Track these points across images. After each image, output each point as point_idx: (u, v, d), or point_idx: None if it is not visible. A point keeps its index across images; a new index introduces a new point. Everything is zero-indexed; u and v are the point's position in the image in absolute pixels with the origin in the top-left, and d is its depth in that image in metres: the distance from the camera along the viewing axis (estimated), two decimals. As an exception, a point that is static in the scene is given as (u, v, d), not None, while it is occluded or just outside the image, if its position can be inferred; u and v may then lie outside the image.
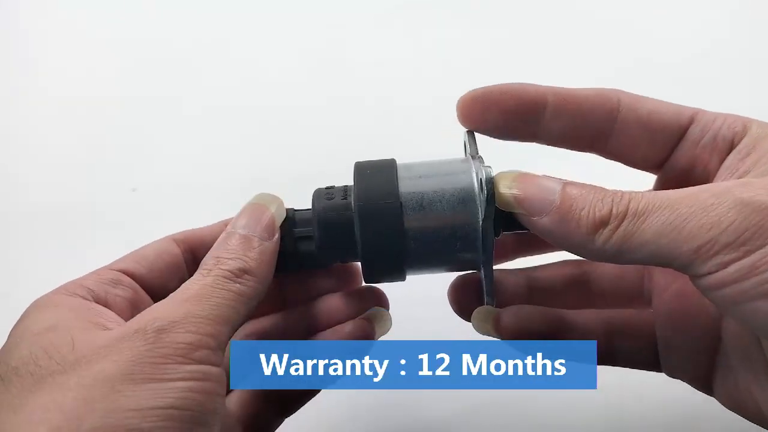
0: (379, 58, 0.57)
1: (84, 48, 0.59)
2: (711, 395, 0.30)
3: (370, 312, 0.32)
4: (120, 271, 0.29)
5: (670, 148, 0.29)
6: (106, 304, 0.27)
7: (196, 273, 0.27)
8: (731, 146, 0.28)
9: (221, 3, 0.61)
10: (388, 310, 0.33)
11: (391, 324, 0.32)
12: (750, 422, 0.28)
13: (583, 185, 0.26)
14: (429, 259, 0.29)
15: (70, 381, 0.22)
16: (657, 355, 0.31)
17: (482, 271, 0.29)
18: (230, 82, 0.56)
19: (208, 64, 0.57)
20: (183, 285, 0.26)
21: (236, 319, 0.26)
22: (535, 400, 0.39)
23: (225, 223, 0.30)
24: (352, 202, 0.28)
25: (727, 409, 0.29)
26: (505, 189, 0.27)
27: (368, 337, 0.31)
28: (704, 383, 0.30)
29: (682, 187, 0.26)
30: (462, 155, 0.31)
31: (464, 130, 0.30)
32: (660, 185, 0.31)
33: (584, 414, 0.39)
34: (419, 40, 0.58)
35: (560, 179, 0.26)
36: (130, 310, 0.28)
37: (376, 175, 0.28)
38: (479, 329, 0.31)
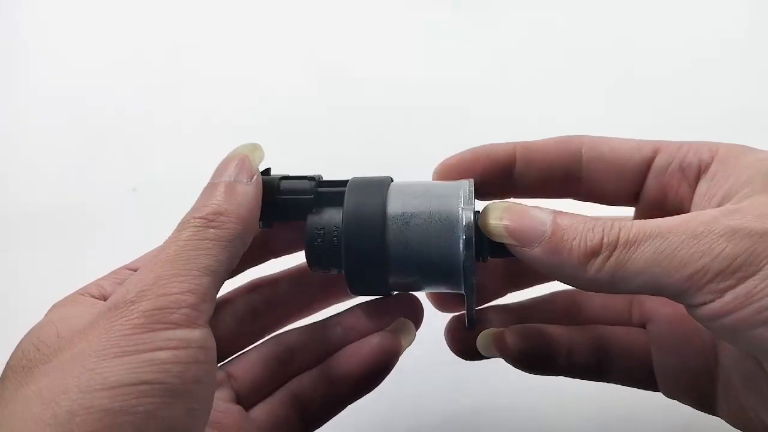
0: (381, 66, 0.57)
1: (83, 47, 0.59)
2: (714, 415, 0.30)
3: (396, 324, 0.32)
4: (135, 270, 0.28)
5: (638, 181, 0.30)
6: None
7: (174, 230, 0.26)
8: (698, 171, 0.28)
9: (221, 5, 0.61)
10: (419, 319, 0.32)
11: (415, 336, 0.32)
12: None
13: (573, 215, 0.25)
14: (411, 276, 0.29)
15: (51, 368, 0.22)
16: (652, 375, 0.31)
17: (464, 297, 0.29)
18: (231, 82, 0.56)
19: (208, 65, 0.57)
20: (159, 246, 0.25)
21: (217, 266, 0.25)
22: (533, 401, 0.39)
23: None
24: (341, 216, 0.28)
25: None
26: (495, 220, 0.26)
27: (395, 350, 0.31)
28: (706, 405, 0.30)
29: (659, 217, 0.27)
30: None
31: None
32: (639, 217, 0.31)
33: (583, 415, 0.39)
34: (421, 47, 0.58)
35: (550, 210, 0.26)
36: None
37: (366, 191, 0.29)
38: (485, 352, 0.31)
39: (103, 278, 0.28)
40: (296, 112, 0.53)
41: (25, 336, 0.25)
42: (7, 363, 0.24)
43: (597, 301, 0.33)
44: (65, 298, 0.27)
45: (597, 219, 0.25)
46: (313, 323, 0.33)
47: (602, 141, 0.30)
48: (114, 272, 0.28)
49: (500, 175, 0.30)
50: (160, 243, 0.28)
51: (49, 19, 0.61)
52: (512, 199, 0.27)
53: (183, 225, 0.25)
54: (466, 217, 0.27)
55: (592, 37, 0.57)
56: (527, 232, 0.25)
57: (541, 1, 0.59)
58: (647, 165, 0.29)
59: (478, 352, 0.31)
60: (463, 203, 0.28)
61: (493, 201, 0.27)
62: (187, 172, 0.52)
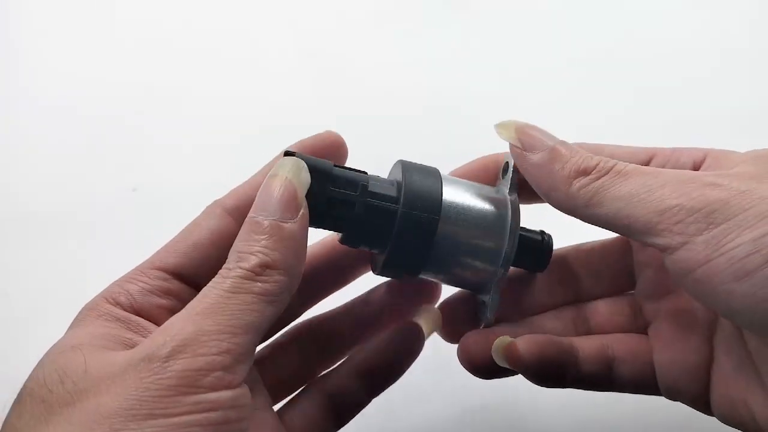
0: (378, 61, 0.57)
1: (83, 47, 0.58)
2: (711, 414, 0.30)
3: (420, 312, 0.32)
4: (170, 272, 0.27)
5: None
6: (149, 317, 0.26)
7: (217, 274, 0.24)
8: (692, 169, 0.29)
9: (221, 5, 0.60)
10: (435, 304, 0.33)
11: (441, 322, 0.32)
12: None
13: (582, 144, 0.28)
14: (446, 265, 0.29)
15: (74, 416, 0.21)
16: (655, 378, 0.31)
17: (491, 291, 0.30)
18: (231, 81, 0.56)
19: (208, 64, 0.57)
20: (202, 291, 0.24)
21: (261, 322, 0.23)
22: (529, 404, 0.39)
23: (267, 171, 0.28)
24: (401, 198, 0.28)
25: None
26: (508, 126, 0.29)
27: (420, 343, 0.31)
28: (702, 402, 0.30)
29: None
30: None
31: (505, 160, 0.32)
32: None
33: (581, 415, 0.39)
34: (417, 44, 0.58)
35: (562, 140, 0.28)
36: None
37: (423, 181, 0.29)
38: (500, 360, 0.31)
39: (132, 279, 0.27)
40: (295, 113, 0.53)
41: (49, 354, 0.24)
42: (26, 384, 0.23)
43: (603, 308, 0.33)
44: (94, 303, 0.26)
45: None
46: (339, 308, 0.33)
47: (597, 148, 0.30)
48: (143, 271, 0.27)
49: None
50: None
51: (49, 19, 0.61)
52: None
53: (227, 271, 0.24)
54: (514, 218, 0.29)
55: (593, 39, 0.57)
56: (533, 140, 0.28)
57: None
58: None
59: (494, 370, 0.30)
60: (511, 210, 0.30)
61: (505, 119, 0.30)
62: (188, 172, 0.52)
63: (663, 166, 0.29)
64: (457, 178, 0.31)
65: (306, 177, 0.26)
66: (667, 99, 0.52)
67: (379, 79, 0.55)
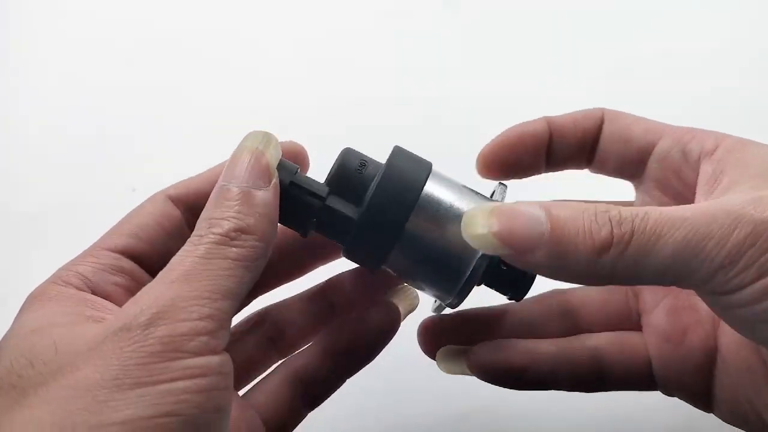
0: (379, 65, 0.56)
1: (82, 46, 0.58)
2: (710, 411, 0.29)
3: (397, 290, 0.31)
4: (120, 252, 0.26)
5: (640, 162, 0.30)
6: (104, 295, 0.25)
7: (187, 242, 0.23)
8: (699, 156, 0.28)
9: (222, 7, 0.60)
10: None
11: (418, 300, 0.32)
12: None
13: (568, 205, 0.23)
14: (413, 261, 0.28)
15: (51, 393, 0.19)
16: (651, 375, 0.30)
17: (452, 298, 0.28)
18: (231, 81, 0.56)
19: (208, 63, 0.57)
20: (173, 259, 0.23)
21: (238, 288, 0.22)
22: (528, 404, 0.39)
23: (222, 168, 0.26)
24: (377, 176, 0.27)
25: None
26: (483, 229, 0.23)
27: (396, 323, 0.30)
28: (703, 399, 0.29)
29: (662, 198, 0.28)
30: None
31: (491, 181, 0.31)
32: (640, 195, 0.31)
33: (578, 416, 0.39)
34: (420, 48, 0.58)
35: (539, 203, 0.23)
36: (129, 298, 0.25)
37: (411, 161, 0.28)
38: (447, 370, 0.31)
39: (81, 261, 0.26)
40: (296, 115, 0.53)
41: (7, 342, 0.22)
42: None
43: (594, 305, 0.32)
44: (42, 288, 0.24)
45: (594, 206, 0.23)
46: (304, 293, 0.32)
47: (621, 116, 0.31)
48: (92, 253, 0.26)
49: (534, 153, 0.30)
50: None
51: (50, 18, 0.61)
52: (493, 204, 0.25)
53: (199, 238, 0.23)
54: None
55: (595, 39, 0.57)
56: (523, 236, 0.22)
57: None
58: (651, 147, 0.30)
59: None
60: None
61: (471, 208, 0.25)
62: (188, 172, 0.52)
63: (671, 149, 0.29)
64: (447, 179, 0.28)
65: (277, 150, 0.26)
66: (675, 101, 0.52)
67: (381, 82, 0.55)
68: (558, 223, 0.22)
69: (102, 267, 0.25)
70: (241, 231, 0.23)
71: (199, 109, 0.54)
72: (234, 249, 0.22)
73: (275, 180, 0.25)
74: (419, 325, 0.32)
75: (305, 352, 0.31)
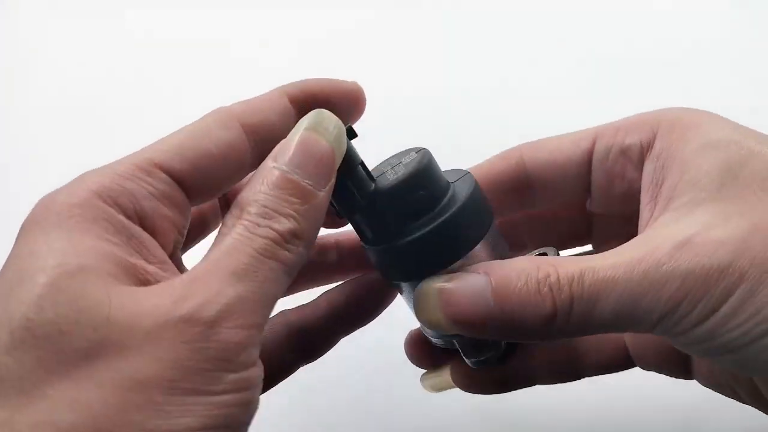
0: (376, 55, 0.57)
1: (82, 46, 0.58)
2: (689, 379, 0.29)
3: None
4: (176, 179, 0.22)
5: (584, 175, 0.28)
6: (152, 231, 0.21)
7: (235, 222, 0.20)
8: (641, 152, 0.26)
9: (220, 11, 0.60)
10: None
11: None
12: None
13: (510, 269, 0.23)
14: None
15: (102, 373, 0.17)
16: (627, 354, 0.30)
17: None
18: (231, 81, 0.56)
19: (208, 63, 0.57)
20: (222, 242, 0.20)
21: (280, 295, 0.21)
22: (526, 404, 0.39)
23: (287, 97, 0.25)
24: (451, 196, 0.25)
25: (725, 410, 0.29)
26: (433, 313, 0.23)
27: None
28: (682, 371, 0.29)
29: (615, 206, 0.27)
30: None
31: None
32: (593, 206, 0.30)
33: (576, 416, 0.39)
34: (413, 39, 0.58)
35: (483, 269, 0.23)
36: (175, 240, 0.22)
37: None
38: (432, 387, 0.30)
39: (129, 176, 0.21)
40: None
41: (49, 272, 0.18)
42: (21, 315, 0.17)
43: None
44: (81, 196, 0.20)
45: (537, 267, 0.23)
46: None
47: (539, 145, 0.29)
48: (139, 165, 0.21)
49: None
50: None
51: (50, 18, 0.61)
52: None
53: (255, 226, 0.20)
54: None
55: (596, 38, 0.57)
56: (471, 317, 0.23)
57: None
58: (588, 157, 0.28)
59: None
60: None
61: (418, 290, 0.24)
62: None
63: (608, 151, 0.27)
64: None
65: (343, 147, 0.23)
66: (670, 98, 0.52)
67: (381, 82, 0.55)
68: (503, 298, 0.23)
69: (155, 192, 0.21)
70: (295, 234, 0.21)
71: (198, 110, 0.54)
72: (286, 253, 0.21)
73: (332, 182, 0.22)
74: (406, 338, 0.32)
75: (306, 304, 0.30)
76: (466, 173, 0.27)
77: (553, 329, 0.22)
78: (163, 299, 0.19)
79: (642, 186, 0.26)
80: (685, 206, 0.23)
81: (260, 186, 0.21)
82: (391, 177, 0.24)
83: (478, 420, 0.40)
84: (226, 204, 0.28)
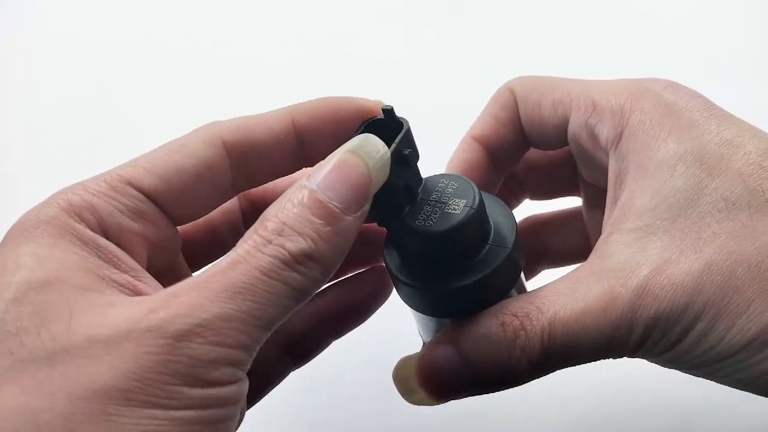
0: (378, 56, 0.57)
1: (82, 46, 0.58)
2: None
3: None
4: (145, 193, 0.21)
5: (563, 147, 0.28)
6: (118, 243, 0.21)
7: (249, 237, 0.19)
8: (607, 144, 0.25)
9: (222, 4, 0.60)
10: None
11: None
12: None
13: (479, 338, 0.23)
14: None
15: (54, 382, 0.17)
16: (589, 246, 0.30)
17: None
18: (231, 80, 0.56)
19: (208, 63, 0.57)
20: (227, 257, 0.19)
21: (282, 319, 0.20)
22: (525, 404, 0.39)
23: (291, 119, 0.24)
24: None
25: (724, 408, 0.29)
26: (417, 393, 0.24)
27: (387, 289, 0.29)
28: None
29: (596, 175, 0.27)
30: None
31: None
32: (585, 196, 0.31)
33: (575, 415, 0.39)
34: (418, 38, 0.58)
35: (449, 338, 0.24)
36: (147, 253, 0.22)
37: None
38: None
39: (95, 192, 0.21)
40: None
41: (16, 285, 0.18)
42: None
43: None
44: (49, 213, 0.20)
45: (498, 322, 0.23)
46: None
47: (532, 90, 0.28)
48: (111, 184, 0.21)
49: None
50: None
51: (51, 17, 0.61)
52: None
53: (266, 240, 0.19)
54: None
55: (591, 25, 0.57)
56: (452, 390, 0.24)
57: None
58: (566, 125, 0.27)
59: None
60: None
61: (396, 369, 0.25)
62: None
63: (580, 132, 0.26)
64: None
65: (385, 174, 0.22)
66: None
67: (383, 77, 0.55)
68: (478, 369, 0.23)
69: (122, 207, 0.21)
70: (310, 257, 0.19)
71: (199, 108, 0.54)
72: (296, 275, 0.19)
73: (366, 207, 0.21)
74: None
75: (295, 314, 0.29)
76: (500, 202, 0.26)
77: (532, 377, 0.23)
78: (133, 310, 0.18)
79: (609, 178, 0.25)
80: (642, 230, 0.23)
81: (286, 203, 0.20)
82: (435, 220, 0.23)
83: (477, 420, 0.40)
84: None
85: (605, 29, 0.56)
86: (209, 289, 0.18)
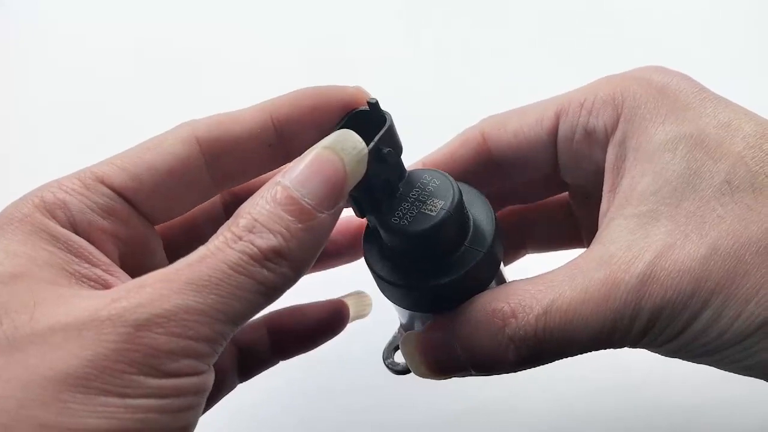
0: (379, 57, 0.56)
1: (82, 46, 0.58)
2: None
3: (353, 294, 0.31)
4: (116, 191, 0.22)
5: (552, 155, 0.27)
6: (88, 239, 0.21)
7: (221, 233, 0.20)
8: (605, 135, 0.25)
9: (222, 5, 0.60)
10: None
11: (370, 309, 0.31)
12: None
13: (474, 327, 0.23)
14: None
15: (9, 370, 0.17)
16: (576, 231, 0.30)
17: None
18: (231, 80, 0.56)
19: (208, 64, 0.57)
20: (198, 252, 0.19)
21: (249, 314, 0.20)
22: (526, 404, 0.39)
23: (269, 113, 0.24)
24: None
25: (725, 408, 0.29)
26: (419, 366, 0.24)
27: (341, 324, 0.30)
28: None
29: (586, 181, 0.26)
30: None
31: None
32: (567, 178, 0.29)
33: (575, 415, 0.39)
34: (419, 39, 0.58)
35: (448, 323, 0.24)
36: (119, 250, 0.22)
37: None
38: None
39: (67, 189, 0.21)
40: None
41: None
42: None
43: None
44: (22, 210, 0.20)
45: (487, 310, 0.23)
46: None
47: (501, 124, 0.27)
48: (84, 181, 0.22)
49: None
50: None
51: (51, 17, 0.61)
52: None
53: (236, 239, 0.19)
54: None
55: (594, 27, 0.57)
56: (449, 368, 0.24)
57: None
58: (553, 137, 0.26)
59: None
60: None
61: (405, 337, 0.25)
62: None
63: (573, 132, 0.26)
64: None
65: (362, 171, 0.21)
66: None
67: (385, 75, 0.55)
68: (473, 357, 0.23)
69: (92, 205, 0.21)
70: (279, 254, 0.19)
71: (198, 108, 0.54)
72: (264, 272, 0.19)
73: (341, 204, 0.21)
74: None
75: (249, 323, 0.28)
76: (482, 197, 0.26)
77: (522, 367, 0.23)
78: (97, 300, 0.18)
79: (606, 169, 0.25)
80: (645, 216, 0.23)
81: (259, 199, 0.20)
82: (410, 219, 0.23)
83: (476, 420, 0.40)
84: None
85: (605, 29, 0.56)
86: (175, 281, 0.19)
